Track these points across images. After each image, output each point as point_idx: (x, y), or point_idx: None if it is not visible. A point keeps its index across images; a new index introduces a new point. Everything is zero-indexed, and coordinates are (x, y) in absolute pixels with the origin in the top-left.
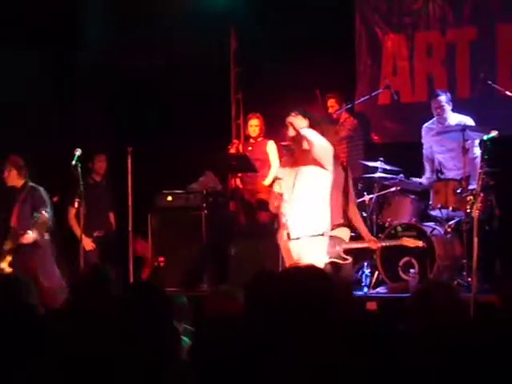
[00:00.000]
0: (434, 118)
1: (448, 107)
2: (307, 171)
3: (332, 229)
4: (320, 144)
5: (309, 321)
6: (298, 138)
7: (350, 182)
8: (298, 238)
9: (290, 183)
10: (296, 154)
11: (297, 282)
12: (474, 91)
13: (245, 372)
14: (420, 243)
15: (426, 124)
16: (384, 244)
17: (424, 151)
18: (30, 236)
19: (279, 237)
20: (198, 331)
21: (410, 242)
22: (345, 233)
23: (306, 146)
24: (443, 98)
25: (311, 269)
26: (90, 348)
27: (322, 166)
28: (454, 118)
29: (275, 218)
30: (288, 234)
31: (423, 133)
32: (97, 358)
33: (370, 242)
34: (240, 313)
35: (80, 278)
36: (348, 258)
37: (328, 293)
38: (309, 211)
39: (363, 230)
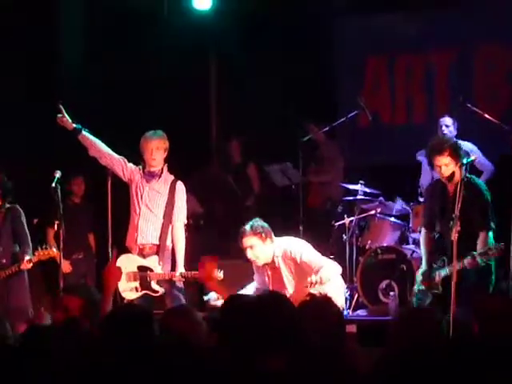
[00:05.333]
0: None
1: (453, 131)
2: None
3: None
4: None
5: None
6: None
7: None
8: None
9: None
10: None
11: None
12: (454, 113)
13: None
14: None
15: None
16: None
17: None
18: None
19: None
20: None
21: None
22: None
23: None
24: (449, 120)
25: (281, 297)
26: None
27: None
28: None
29: None
30: None
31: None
32: None
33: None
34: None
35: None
36: (160, 289)
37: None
38: None
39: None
